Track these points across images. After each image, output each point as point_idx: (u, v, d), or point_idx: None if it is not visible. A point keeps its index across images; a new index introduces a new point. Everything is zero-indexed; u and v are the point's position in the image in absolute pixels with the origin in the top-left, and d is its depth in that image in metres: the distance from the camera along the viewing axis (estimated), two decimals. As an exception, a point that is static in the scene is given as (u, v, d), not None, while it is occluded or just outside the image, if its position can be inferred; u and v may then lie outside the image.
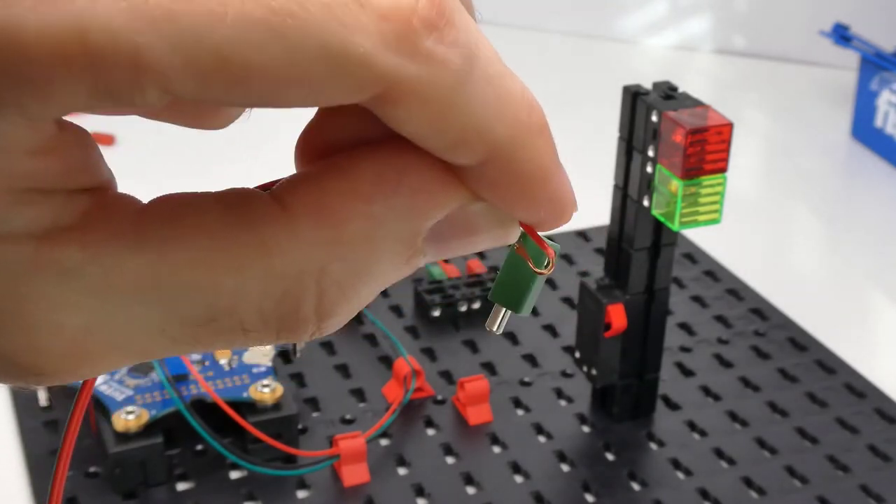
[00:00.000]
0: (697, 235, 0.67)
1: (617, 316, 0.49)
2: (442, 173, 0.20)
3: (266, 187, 0.21)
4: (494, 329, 0.24)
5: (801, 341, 0.59)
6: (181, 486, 0.48)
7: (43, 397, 0.52)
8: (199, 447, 0.50)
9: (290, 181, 0.21)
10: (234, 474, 0.49)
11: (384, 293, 0.61)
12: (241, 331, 0.19)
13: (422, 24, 0.18)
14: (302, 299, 0.19)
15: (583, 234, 0.68)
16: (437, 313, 0.59)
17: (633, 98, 0.47)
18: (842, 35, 0.82)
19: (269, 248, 0.19)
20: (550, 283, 0.63)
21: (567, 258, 0.65)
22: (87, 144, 0.19)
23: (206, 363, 0.51)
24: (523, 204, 0.21)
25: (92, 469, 0.49)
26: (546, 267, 0.23)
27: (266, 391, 0.49)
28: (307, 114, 0.23)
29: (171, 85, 0.17)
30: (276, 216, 0.19)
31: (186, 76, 0.17)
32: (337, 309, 0.20)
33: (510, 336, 0.59)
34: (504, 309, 0.24)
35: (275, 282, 0.19)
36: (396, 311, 0.60)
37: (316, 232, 0.19)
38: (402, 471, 0.49)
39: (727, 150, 0.45)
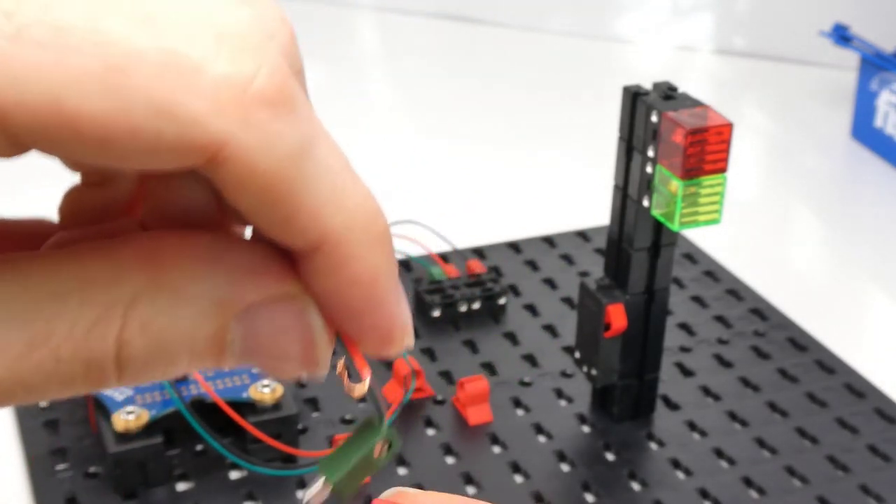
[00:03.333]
0: (697, 235, 0.67)
1: (617, 316, 0.49)
2: (269, 260, 0.21)
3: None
4: (304, 500, 0.24)
5: (801, 341, 0.59)
6: (181, 487, 0.48)
7: (43, 397, 0.52)
8: (199, 447, 0.50)
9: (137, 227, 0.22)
10: (234, 474, 0.49)
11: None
12: (55, 360, 0.20)
13: (258, 95, 0.18)
14: (108, 327, 0.20)
15: (583, 234, 0.68)
16: (437, 313, 0.59)
17: (633, 98, 0.47)
18: (842, 35, 0.82)
19: (93, 277, 0.20)
20: (550, 283, 0.63)
21: (567, 258, 0.66)
22: None
23: (206, 363, 0.51)
24: (350, 310, 0.21)
25: (92, 469, 0.49)
26: (382, 454, 0.24)
27: (266, 391, 0.49)
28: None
29: (8, 128, 0.18)
30: (105, 249, 0.20)
31: (20, 118, 0.18)
32: (134, 348, 0.20)
33: (510, 336, 0.59)
34: (323, 478, 0.24)
35: (89, 308, 0.20)
36: (396, 311, 0.60)
37: (139, 268, 0.20)
38: (402, 471, 0.49)
39: (727, 151, 0.45)
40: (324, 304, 0.21)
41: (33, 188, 0.54)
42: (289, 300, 0.21)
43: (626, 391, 0.52)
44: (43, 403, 0.52)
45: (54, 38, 0.17)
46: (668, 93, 0.47)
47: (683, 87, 0.48)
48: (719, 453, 0.51)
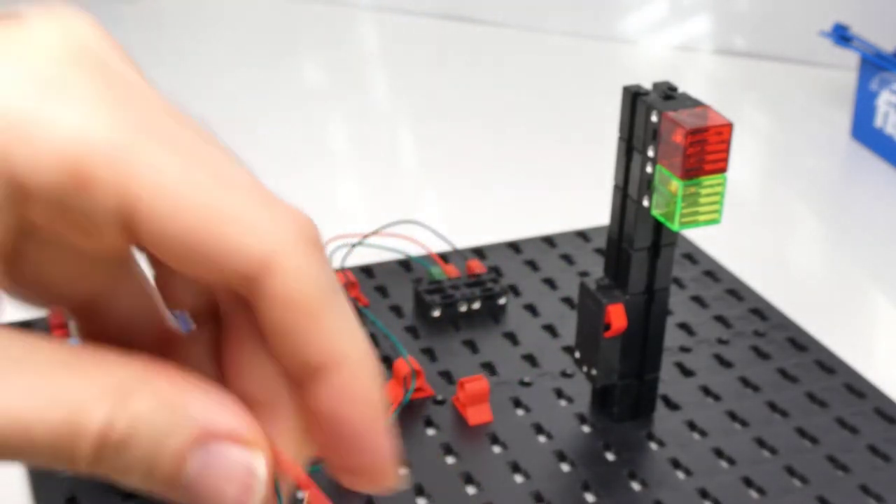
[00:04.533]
0: (697, 235, 0.67)
1: (617, 316, 0.49)
2: (235, 402, 0.23)
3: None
4: None
5: (801, 341, 0.59)
6: (181, 486, 0.48)
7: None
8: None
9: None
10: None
11: (384, 293, 0.61)
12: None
13: (311, 236, 0.23)
14: (95, 410, 0.21)
15: (583, 234, 0.68)
16: (437, 313, 0.59)
17: (633, 98, 0.47)
18: (842, 35, 0.82)
19: (98, 363, 0.22)
20: (550, 283, 0.63)
21: (567, 258, 0.66)
22: None
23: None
24: (347, 430, 0.24)
25: (92, 469, 0.48)
26: None
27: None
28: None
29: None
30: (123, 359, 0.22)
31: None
32: (115, 433, 0.22)
33: (510, 336, 0.59)
34: None
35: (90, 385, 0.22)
36: (396, 311, 0.60)
37: (140, 368, 0.22)
38: (401, 471, 0.49)
39: (727, 151, 0.45)
40: (321, 427, 0.24)
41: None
42: (246, 443, 0.22)
43: (626, 391, 0.52)
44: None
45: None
46: (668, 93, 0.47)
47: (683, 87, 0.48)
48: (719, 453, 0.51)
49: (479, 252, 0.65)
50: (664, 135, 0.46)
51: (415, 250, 0.63)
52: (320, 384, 0.23)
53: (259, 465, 0.22)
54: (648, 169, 0.47)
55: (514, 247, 0.66)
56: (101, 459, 0.22)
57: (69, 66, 0.22)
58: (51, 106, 0.21)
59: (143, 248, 0.23)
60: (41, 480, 0.48)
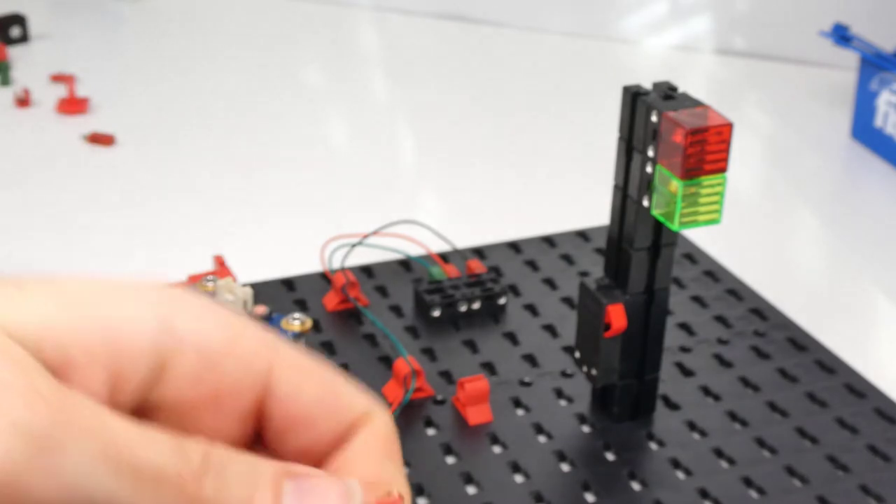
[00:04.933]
0: (697, 235, 0.67)
1: (617, 316, 0.49)
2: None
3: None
4: None
5: (800, 341, 0.59)
6: (181, 486, 0.48)
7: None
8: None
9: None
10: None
11: (384, 293, 0.61)
12: None
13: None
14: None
15: (583, 234, 0.68)
16: (437, 313, 0.59)
17: (633, 98, 0.47)
18: (842, 35, 0.82)
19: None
20: (550, 283, 0.63)
21: (567, 258, 0.66)
22: None
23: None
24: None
25: (92, 469, 0.48)
26: None
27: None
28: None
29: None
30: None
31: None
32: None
33: (510, 336, 0.59)
34: None
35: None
36: (396, 311, 0.60)
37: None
38: (402, 471, 0.49)
39: (727, 150, 0.45)
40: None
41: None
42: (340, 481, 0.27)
43: (626, 391, 0.52)
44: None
45: None
46: (668, 93, 0.47)
47: (683, 87, 0.48)
48: (719, 453, 0.51)
49: (479, 252, 0.65)
50: (664, 135, 0.46)
51: (415, 250, 0.63)
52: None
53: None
54: (648, 169, 0.47)
55: (514, 247, 0.66)
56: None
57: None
58: (210, 315, 0.27)
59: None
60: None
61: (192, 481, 0.24)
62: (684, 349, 0.58)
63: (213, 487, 0.24)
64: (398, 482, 0.28)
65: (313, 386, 0.28)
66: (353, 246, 0.63)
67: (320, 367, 0.28)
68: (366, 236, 0.63)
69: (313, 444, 0.28)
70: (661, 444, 0.52)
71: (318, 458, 0.28)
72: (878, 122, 0.80)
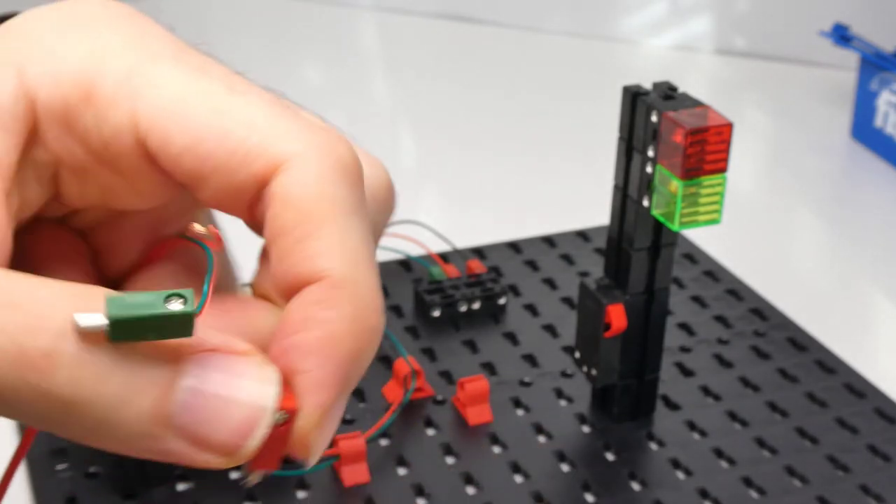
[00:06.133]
0: (697, 235, 0.67)
1: (617, 316, 0.49)
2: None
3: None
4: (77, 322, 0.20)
5: (801, 341, 0.59)
6: (181, 487, 0.48)
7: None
8: (199, 447, 0.49)
9: None
10: (235, 474, 0.49)
11: (384, 293, 0.61)
12: None
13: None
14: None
15: (583, 234, 0.68)
16: (437, 313, 0.59)
17: (633, 98, 0.47)
18: (842, 35, 0.82)
19: None
20: (550, 283, 0.63)
21: (567, 258, 0.65)
22: None
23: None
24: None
25: (92, 469, 0.49)
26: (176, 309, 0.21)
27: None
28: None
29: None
30: None
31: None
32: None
33: (510, 336, 0.59)
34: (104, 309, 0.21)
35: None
36: (396, 311, 0.60)
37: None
38: (401, 471, 0.49)
39: (727, 151, 0.45)
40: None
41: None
42: (248, 354, 0.20)
43: (626, 391, 0.52)
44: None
45: None
46: (668, 93, 0.47)
47: (683, 87, 0.48)
48: (719, 453, 0.51)
49: (479, 252, 0.65)
50: (664, 135, 0.46)
51: (415, 250, 0.63)
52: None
53: (272, 392, 0.21)
54: (648, 169, 0.47)
55: (514, 247, 0.66)
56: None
57: (98, 7, 0.23)
58: (71, 34, 0.22)
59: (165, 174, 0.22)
60: (42, 480, 0.48)
61: (44, 366, 0.18)
62: (684, 349, 0.58)
63: (69, 377, 0.18)
64: (331, 260, 0.20)
65: (185, 134, 0.20)
66: (353, 246, 0.63)
67: (206, 103, 0.21)
68: (366, 236, 0.63)
69: (222, 204, 0.22)
70: (661, 444, 0.52)
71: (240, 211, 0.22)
72: (878, 122, 0.80)
